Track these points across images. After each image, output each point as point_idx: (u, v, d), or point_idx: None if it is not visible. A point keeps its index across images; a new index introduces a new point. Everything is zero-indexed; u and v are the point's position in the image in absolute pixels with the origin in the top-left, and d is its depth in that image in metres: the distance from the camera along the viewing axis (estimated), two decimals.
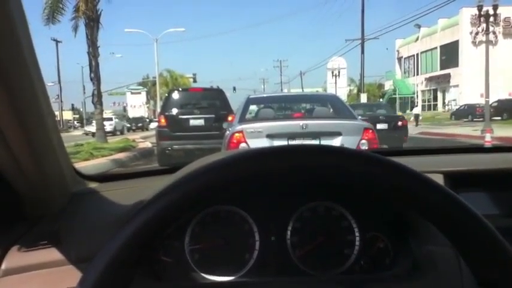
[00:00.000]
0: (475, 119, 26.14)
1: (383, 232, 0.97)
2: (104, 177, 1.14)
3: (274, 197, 0.97)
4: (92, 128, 31.45)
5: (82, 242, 0.88)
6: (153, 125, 41.47)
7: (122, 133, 33.12)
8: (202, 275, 0.95)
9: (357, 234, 0.97)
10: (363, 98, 28.65)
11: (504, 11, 31.66)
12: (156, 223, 0.48)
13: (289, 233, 0.97)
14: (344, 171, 0.44)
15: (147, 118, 54.00)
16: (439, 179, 0.98)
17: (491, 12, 20.34)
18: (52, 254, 0.88)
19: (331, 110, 6.39)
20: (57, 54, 40.83)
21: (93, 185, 1.09)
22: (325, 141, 4.73)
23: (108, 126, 29.96)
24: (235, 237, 0.97)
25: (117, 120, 34.30)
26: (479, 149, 1.30)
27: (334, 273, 0.95)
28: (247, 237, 0.97)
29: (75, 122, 54.65)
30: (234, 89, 46.41)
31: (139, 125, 43.42)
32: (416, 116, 26.92)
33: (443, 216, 0.43)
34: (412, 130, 20.83)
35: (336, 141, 4.74)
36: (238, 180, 0.45)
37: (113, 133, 30.51)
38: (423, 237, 0.88)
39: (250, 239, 0.97)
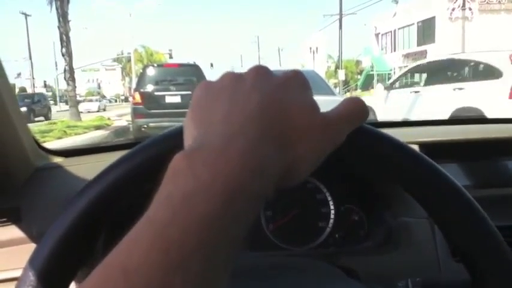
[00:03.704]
0: None
1: (357, 204, 0.96)
2: (69, 152, 1.09)
3: None
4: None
5: (44, 218, 0.84)
6: (85, 106, 31.61)
7: None
8: None
9: (331, 206, 0.95)
10: (341, 74, 28.78)
11: None
12: (109, 194, 0.44)
13: (262, 206, 0.95)
14: None
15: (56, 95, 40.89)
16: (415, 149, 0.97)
17: None
18: (12, 231, 0.83)
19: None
20: (26, 29, 39.37)
21: (58, 159, 1.04)
22: None
23: None
24: None
25: None
26: (454, 121, 1.29)
27: (308, 247, 0.94)
28: None
29: (49, 99, 53.14)
30: (212, 65, 45.80)
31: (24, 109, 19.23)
32: None
33: (420, 183, 0.41)
34: None
35: None
36: None
37: None
38: (398, 209, 0.87)
39: None
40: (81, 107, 32.15)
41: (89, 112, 27.79)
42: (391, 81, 9.74)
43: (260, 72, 0.38)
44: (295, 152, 0.34)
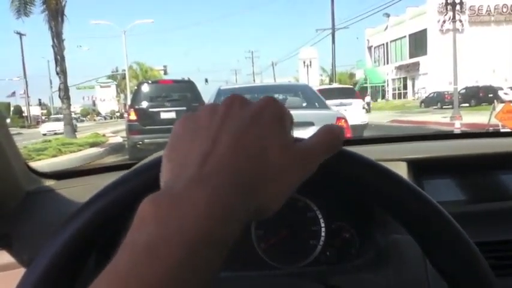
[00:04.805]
0: (444, 106, 26.75)
1: (348, 222, 0.96)
2: (61, 175, 1.09)
3: None
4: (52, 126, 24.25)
5: (35, 243, 0.84)
6: (48, 127, 25.80)
7: None
8: None
9: (322, 224, 0.96)
10: None
11: (470, 0, 32.42)
12: (97, 221, 0.44)
13: (254, 226, 0.95)
14: None
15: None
16: (402, 166, 0.98)
17: (457, 0, 20.82)
18: (2, 257, 0.83)
19: (304, 100, 6.42)
20: (21, 48, 39.51)
21: (49, 182, 1.04)
22: (298, 132, 4.70)
23: None
24: None
25: None
26: (443, 136, 1.31)
27: (300, 265, 0.94)
28: None
29: (44, 117, 52.85)
30: (206, 80, 45.98)
31: None
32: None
33: (396, 204, 0.42)
34: (381, 118, 21.28)
35: (309, 132, 4.70)
36: None
37: None
38: (388, 226, 0.88)
39: None
40: (44, 128, 27.40)
41: (55, 134, 24.01)
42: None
43: (233, 105, 0.36)
44: (266, 193, 0.33)
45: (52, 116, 35.46)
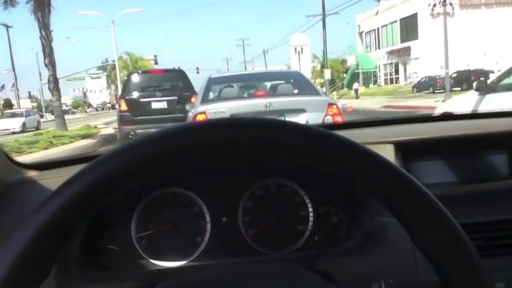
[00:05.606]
0: (436, 91, 26.81)
1: (336, 206, 0.95)
2: (44, 165, 1.07)
3: (223, 176, 0.93)
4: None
5: None
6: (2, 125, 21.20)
7: None
8: (152, 261, 0.91)
9: (310, 209, 0.95)
10: (327, 74, 28.91)
11: None
12: (69, 210, 0.42)
13: (240, 212, 0.94)
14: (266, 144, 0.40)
15: None
16: (389, 149, 0.97)
17: None
18: None
19: (295, 86, 6.39)
20: (8, 40, 38.86)
21: (31, 173, 1.02)
22: (290, 119, 4.72)
23: None
24: (185, 220, 0.93)
25: None
26: (432, 118, 1.29)
27: (288, 251, 0.93)
28: (198, 220, 0.94)
29: (35, 110, 52.26)
30: (197, 69, 45.60)
31: None
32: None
33: (378, 185, 0.40)
34: (373, 104, 21.30)
35: (301, 118, 4.74)
36: (148, 160, 0.40)
37: None
38: (376, 209, 0.87)
39: (201, 222, 0.94)
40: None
41: (13, 133, 20.09)
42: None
43: None
44: None
45: (7, 112, 29.01)
